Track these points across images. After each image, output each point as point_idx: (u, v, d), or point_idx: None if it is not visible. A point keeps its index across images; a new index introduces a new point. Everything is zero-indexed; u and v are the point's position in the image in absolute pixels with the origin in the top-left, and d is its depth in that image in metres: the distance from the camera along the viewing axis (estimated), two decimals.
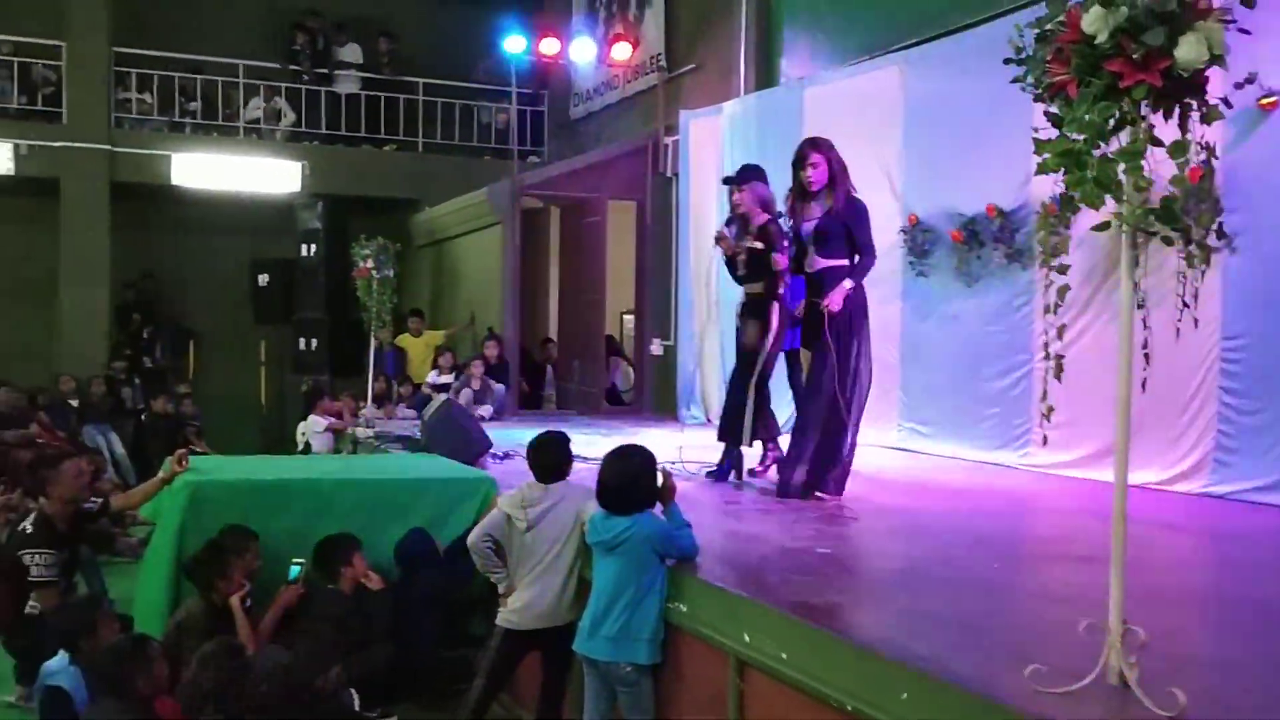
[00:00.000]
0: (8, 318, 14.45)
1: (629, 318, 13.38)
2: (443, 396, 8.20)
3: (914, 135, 8.52)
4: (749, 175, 6.72)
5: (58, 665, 4.65)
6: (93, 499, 6.14)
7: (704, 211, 10.99)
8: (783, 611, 3.55)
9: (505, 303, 11.97)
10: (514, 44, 11.73)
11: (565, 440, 5.25)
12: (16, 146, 13.07)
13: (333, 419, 10.44)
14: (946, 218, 8.11)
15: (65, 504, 5.92)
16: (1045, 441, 6.28)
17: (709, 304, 10.81)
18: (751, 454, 6.92)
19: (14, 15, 13.65)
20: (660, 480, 4.37)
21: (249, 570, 5.33)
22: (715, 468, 6.78)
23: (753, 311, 6.55)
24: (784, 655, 3.45)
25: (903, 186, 8.57)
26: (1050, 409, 3.41)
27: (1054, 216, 7.36)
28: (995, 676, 2.87)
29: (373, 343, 11.16)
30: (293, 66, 14.59)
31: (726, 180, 6.99)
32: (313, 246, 13.64)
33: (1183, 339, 6.05)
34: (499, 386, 11.39)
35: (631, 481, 4.26)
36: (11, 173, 13.14)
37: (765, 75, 10.81)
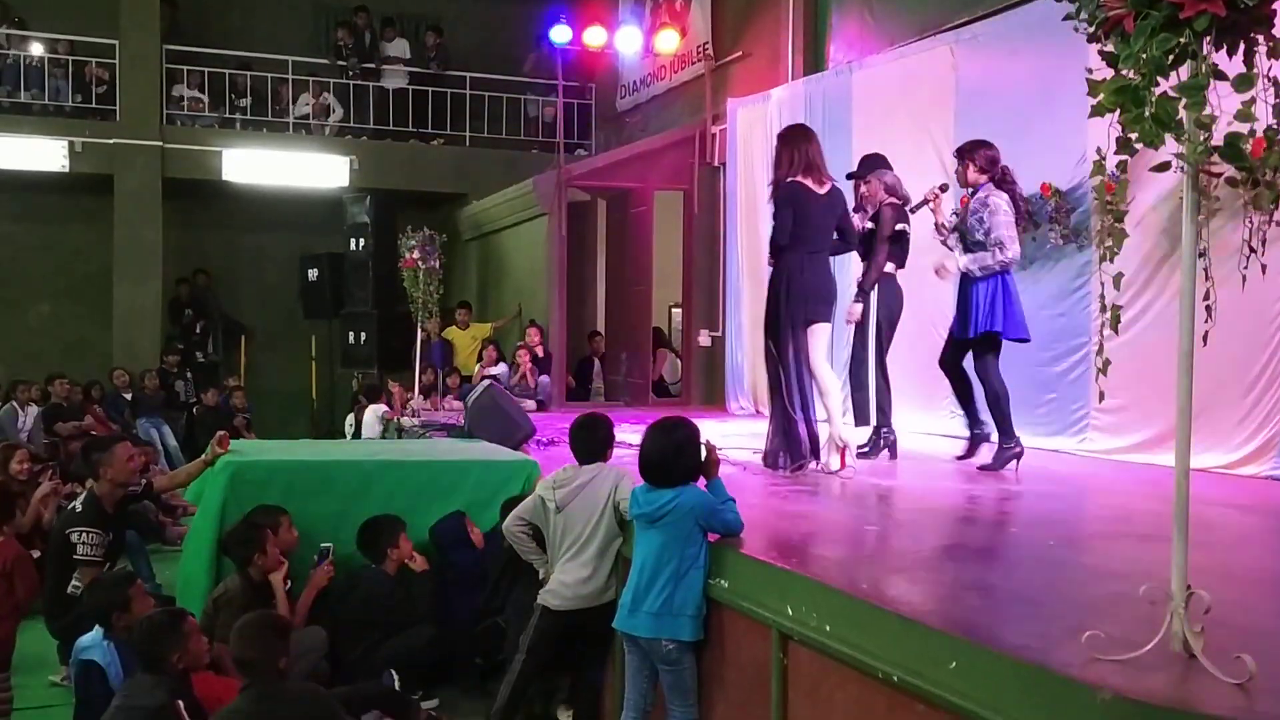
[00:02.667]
0: (64, 313, 14.73)
1: (677, 310, 13.29)
2: (486, 381, 8.14)
3: (966, 116, 8.32)
4: (872, 165, 6.91)
5: (91, 640, 4.64)
6: (138, 483, 6.17)
7: (753, 200, 10.86)
8: (826, 584, 3.42)
9: (552, 294, 11.92)
10: (560, 34, 11.67)
11: (607, 422, 5.19)
12: (71, 144, 13.26)
13: (386, 409, 10.46)
14: None
15: (115, 486, 5.96)
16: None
17: (758, 298, 10.66)
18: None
19: (68, 14, 13.89)
20: (704, 454, 4.25)
21: (283, 545, 5.31)
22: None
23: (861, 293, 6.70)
24: (828, 628, 3.32)
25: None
26: (1102, 395, 3.20)
27: (1110, 195, 7.28)
28: (1050, 646, 2.72)
29: (419, 334, 11.15)
30: (340, 62, 14.66)
31: (850, 175, 7.04)
32: (361, 241, 13.68)
33: (1248, 317, 5.86)
34: (544, 378, 11.34)
35: (675, 453, 4.15)
36: (66, 170, 13.34)
37: (813, 61, 10.66)
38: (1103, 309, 2.93)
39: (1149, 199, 6.66)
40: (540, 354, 11.51)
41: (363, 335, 13.75)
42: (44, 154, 13.16)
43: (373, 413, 10.37)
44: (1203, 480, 5.73)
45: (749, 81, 11.36)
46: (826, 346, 6.10)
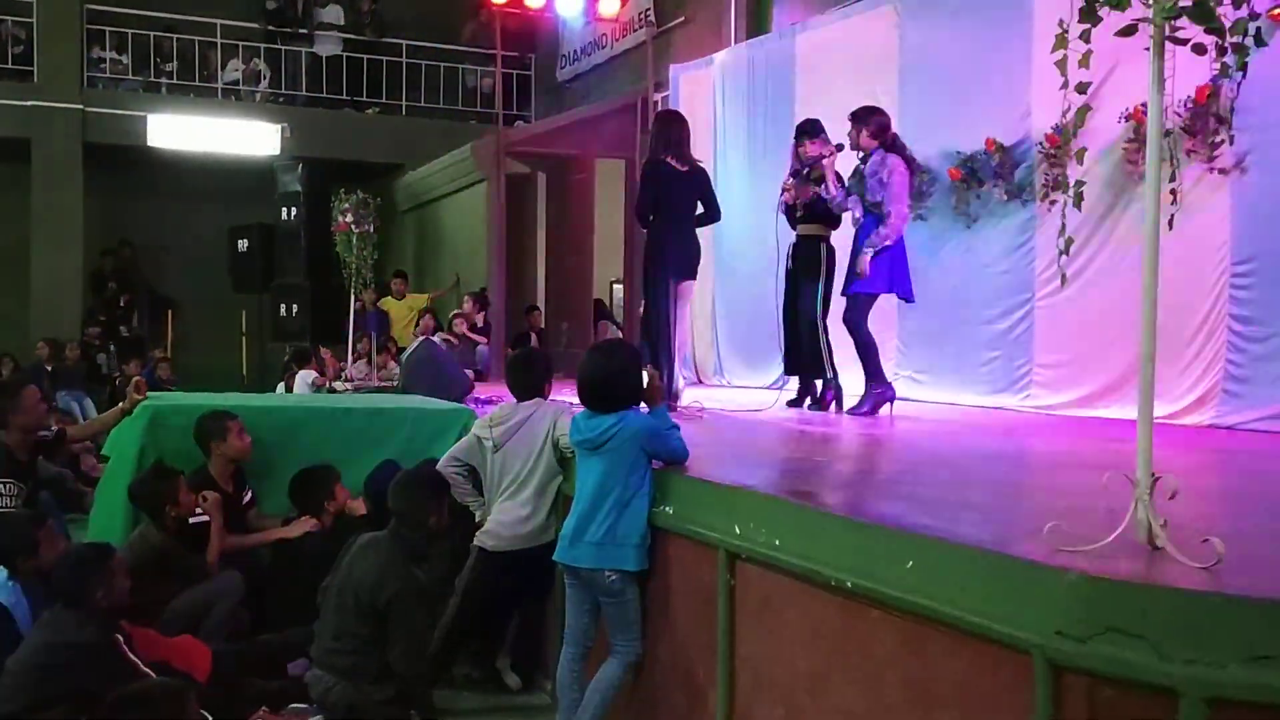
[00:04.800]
0: None
1: (619, 287, 13.11)
2: (423, 337, 7.91)
3: (910, 76, 8.24)
4: (804, 130, 7.08)
5: None
6: (48, 428, 5.86)
7: None
8: (776, 496, 3.28)
9: (491, 262, 11.68)
10: None
11: (545, 358, 5.06)
12: None
13: (318, 375, 10.16)
14: (944, 158, 7.85)
15: (25, 433, 5.64)
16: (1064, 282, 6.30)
17: (704, 262, 10.54)
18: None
19: None
20: (646, 380, 4.09)
21: (235, 453, 5.09)
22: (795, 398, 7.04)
23: (808, 252, 6.95)
24: (777, 542, 3.19)
25: (899, 129, 8.30)
26: (1070, 241, 3.10)
27: (1055, 148, 7.26)
28: (1009, 540, 2.61)
29: (354, 303, 10.87)
30: (271, 27, 14.26)
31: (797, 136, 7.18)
32: (293, 210, 13.33)
33: (1188, 266, 5.86)
34: (482, 348, 11.12)
35: (616, 376, 3.99)
36: None
37: (756, 24, 10.55)
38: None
39: (1093, 153, 6.63)
40: (479, 324, 11.27)
41: (294, 308, 13.40)
42: None
43: (303, 378, 10.05)
44: None
45: (691, 47, 11.22)
46: (690, 302, 6.94)
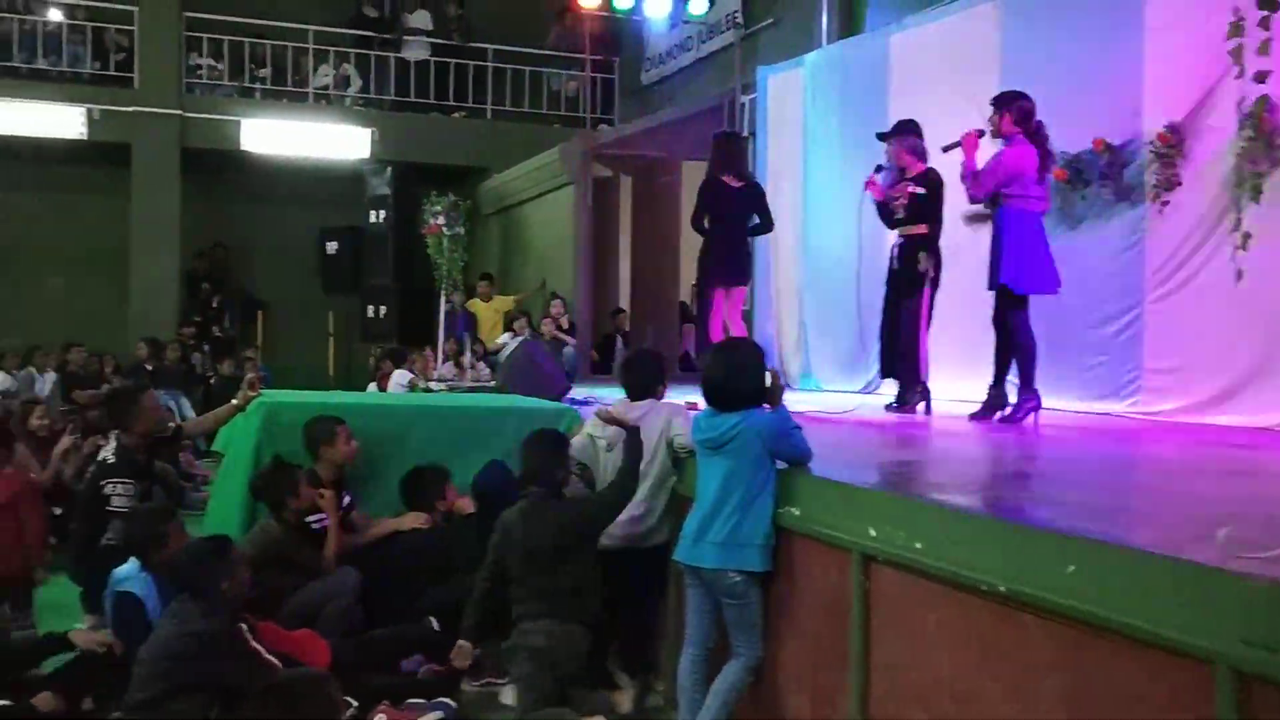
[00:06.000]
0: (80, 284, 14.57)
1: None
2: (522, 337, 7.95)
3: (1012, 76, 8.02)
4: (901, 128, 6.96)
5: (128, 571, 4.48)
6: (166, 429, 5.99)
7: (782, 170, 10.66)
8: (916, 499, 3.22)
9: (578, 264, 11.72)
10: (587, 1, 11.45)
11: (659, 358, 5.05)
12: (89, 112, 13.11)
13: (413, 376, 10.27)
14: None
15: (144, 437, 5.77)
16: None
17: (791, 265, 10.49)
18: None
19: None
20: (769, 380, 4.05)
21: (342, 458, 5.15)
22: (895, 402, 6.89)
23: (906, 253, 6.76)
24: (918, 545, 3.12)
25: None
26: (1246, 236, 3.00)
27: (1168, 146, 7.07)
28: (1179, 546, 2.52)
29: (444, 304, 10.97)
30: (361, 33, 14.49)
31: (880, 135, 7.12)
32: (381, 213, 13.51)
33: None
34: (569, 350, 11.16)
35: (738, 374, 3.95)
36: (84, 138, 13.18)
37: (849, 26, 10.45)
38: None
39: (1205, 154, 6.46)
40: (565, 325, 11.32)
41: (382, 309, 13.58)
42: (62, 121, 13.01)
43: (398, 378, 10.16)
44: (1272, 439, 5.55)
45: (780, 49, 11.16)
46: (742, 305, 7.64)
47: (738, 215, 7.26)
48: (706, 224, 7.45)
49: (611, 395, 7.32)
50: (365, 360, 14.08)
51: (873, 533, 3.33)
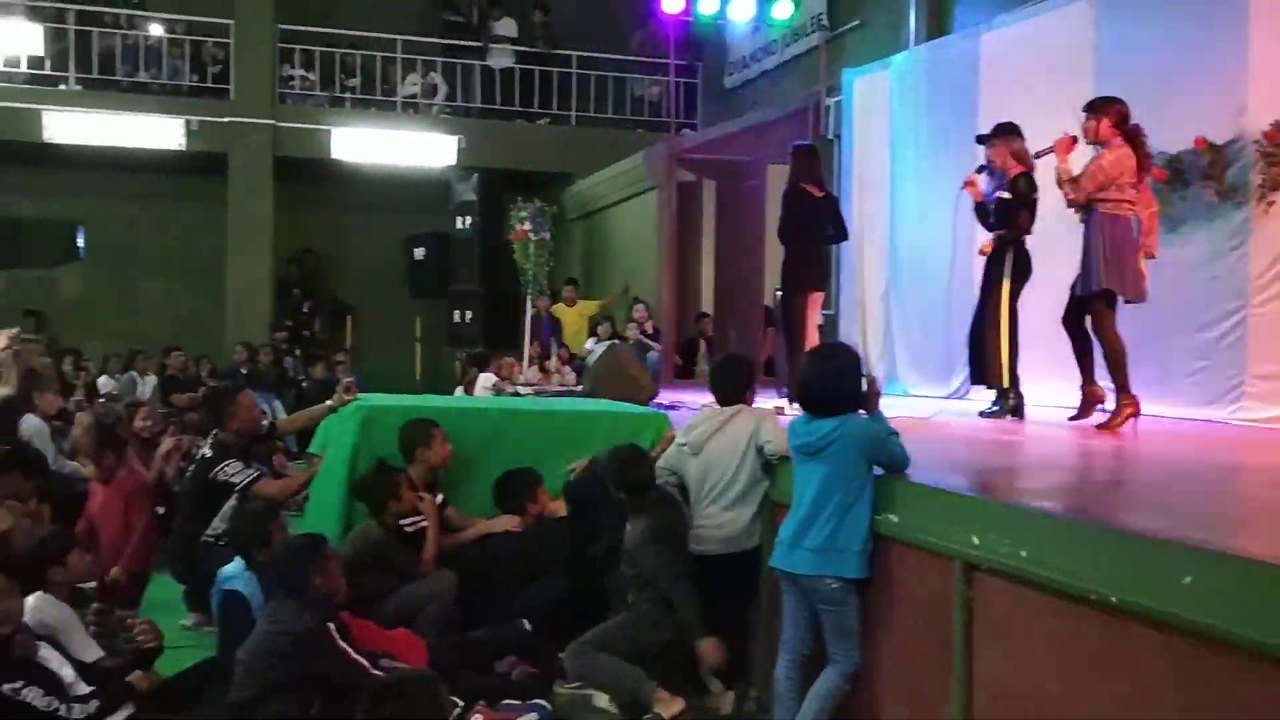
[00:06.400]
0: (177, 290, 15.00)
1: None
2: (608, 342, 8.00)
3: (1108, 75, 7.87)
4: (1000, 131, 6.86)
5: (234, 570, 4.60)
6: (262, 428, 6.16)
7: (868, 173, 10.56)
8: (1021, 506, 3.17)
9: (661, 267, 11.73)
10: (672, 4, 11.45)
11: (749, 363, 5.05)
12: (188, 123, 13.49)
13: (498, 379, 10.38)
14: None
15: (240, 436, 5.94)
16: None
17: (877, 269, 10.39)
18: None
19: None
20: (866, 385, 4.02)
21: (436, 461, 5.23)
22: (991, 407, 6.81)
23: (993, 256, 6.72)
24: (1024, 554, 3.07)
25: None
26: None
27: (1276, 145, 6.85)
28: None
29: (529, 309, 11.07)
30: (451, 41, 14.70)
31: (980, 139, 7.10)
32: (467, 219, 13.68)
33: None
34: (652, 354, 11.18)
35: (835, 379, 3.92)
36: (183, 148, 13.57)
37: (938, 26, 10.32)
38: None
39: None
40: (649, 330, 11.35)
41: (468, 314, 13.74)
42: (163, 132, 13.42)
43: (482, 381, 10.28)
44: None
45: (866, 51, 11.06)
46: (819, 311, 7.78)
47: (819, 224, 7.50)
48: (791, 234, 7.56)
49: (695, 400, 7.35)
50: (451, 365, 14.29)
51: (975, 540, 3.28)
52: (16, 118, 12.94)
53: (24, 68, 13.36)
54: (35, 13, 13.57)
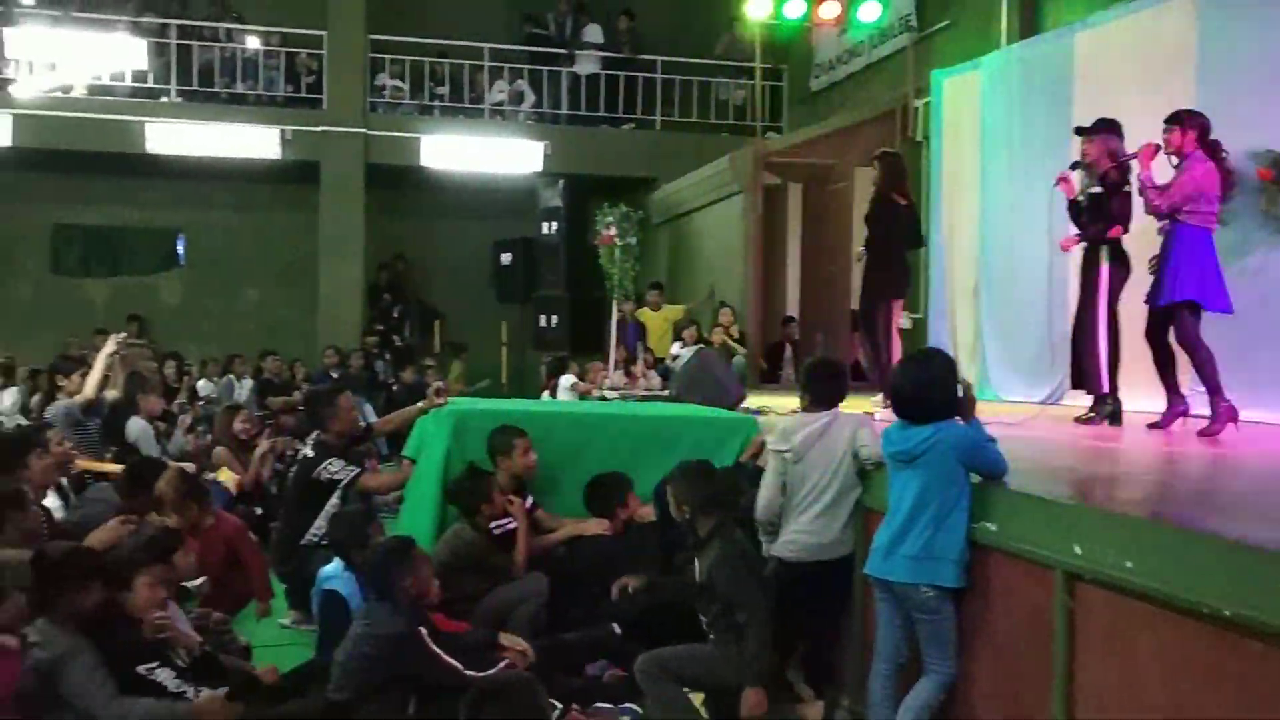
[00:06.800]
0: (271, 296, 15.41)
1: None
2: (697, 347, 8.01)
3: (1211, 72, 7.67)
4: (1101, 126, 6.77)
5: (333, 571, 4.70)
6: (359, 430, 6.29)
7: (958, 175, 10.42)
8: (1126, 515, 3.10)
9: (747, 271, 11.70)
10: (758, 8, 11.42)
11: (842, 367, 5.01)
12: (283, 132, 13.81)
13: (578, 380, 10.45)
14: (1250, 158, 7.28)
15: (339, 436, 6.09)
16: None
17: (967, 272, 10.23)
18: None
19: (280, 7, 14.51)
20: (961, 392, 3.96)
21: (521, 470, 5.28)
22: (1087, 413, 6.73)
23: (1089, 258, 6.64)
24: (1129, 564, 3.01)
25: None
26: None
27: None
28: None
29: (615, 313, 11.11)
30: (537, 49, 14.85)
31: (1079, 130, 6.97)
32: (553, 225, 13.79)
33: None
34: (738, 358, 11.15)
35: (930, 386, 3.88)
36: (279, 157, 13.91)
37: (1030, 25, 10.13)
38: None
39: None
40: (735, 334, 11.33)
41: (554, 319, 13.84)
42: (259, 142, 13.76)
43: (564, 384, 10.36)
44: None
45: (956, 51, 10.91)
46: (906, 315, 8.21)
47: (904, 233, 7.75)
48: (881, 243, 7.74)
49: (781, 404, 7.31)
50: (536, 368, 14.42)
51: (1078, 550, 3.22)
52: (121, 130, 13.38)
53: (128, 81, 13.81)
54: (138, 28, 14.03)
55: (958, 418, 3.91)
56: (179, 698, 3.78)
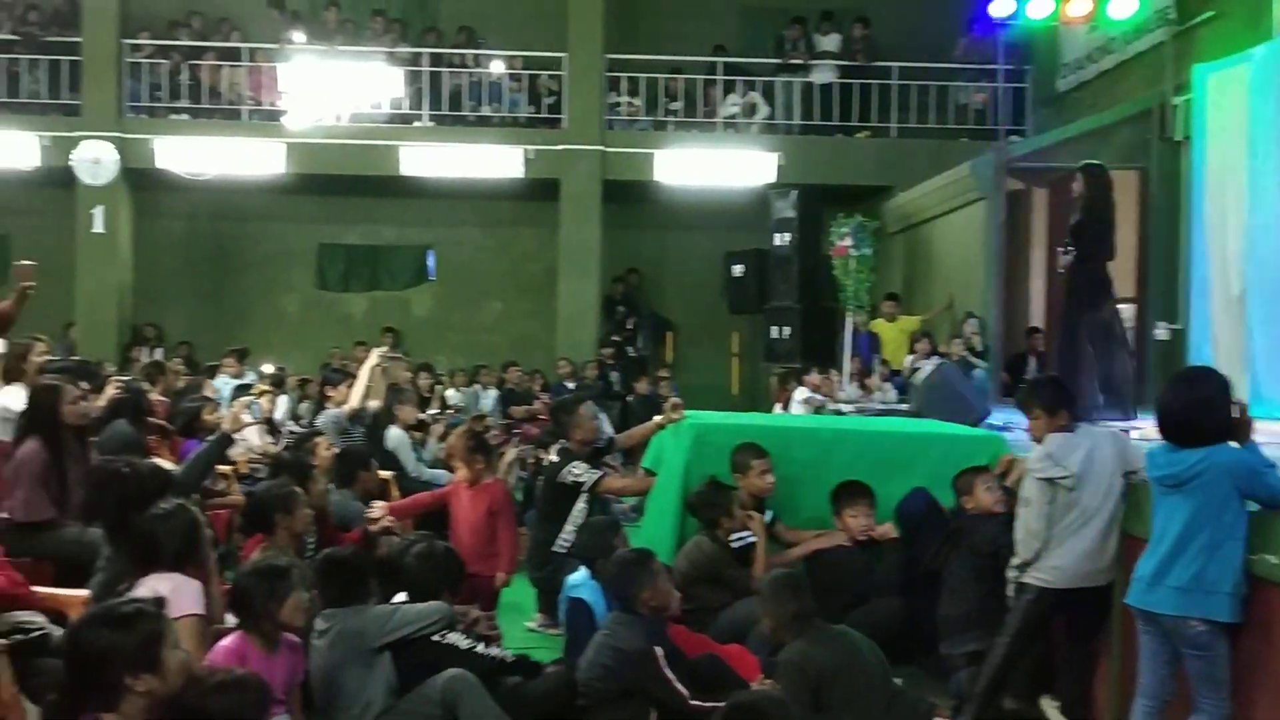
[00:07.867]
0: (513, 310, 16.09)
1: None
2: (937, 360, 7.82)
3: None
4: None
5: (579, 579, 4.85)
6: (600, 440, 6.47)
7: (1225, 175, 9.72)
8: None
9: (989, 281, 11.30)
10: (1001, 6, 11.01)
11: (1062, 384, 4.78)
12: (525, 152, 14.39)
13: (812, 392, 10.36)
14: None
15: (582, 445, 6.28)
16: None
17: (1232, 280, 9.54)
18: None
19: (522, 31, 15.15)
20: (1236, 413, 3.71)
21: (757, 490, 5.31)
22: None
23: None
24: None
25: None
26: None
27: None
28: None
29: (849, 324, 10.96)
30: (778, 60, 14.90)
31: None
32: (786, 236, 13.70)
33: None
34: (978, 371, 10.78)
35: (1202, 408, 3.65)
36: (522, 176, 14.51)
37: None
38: None
39: None
40: (977, 347, 10.96)
41: (786, 330, 13.75)
42: (503, 161, 14.40)
43: (798, 396, 10.29)
44: None
45: (1220, 44, 10.18)
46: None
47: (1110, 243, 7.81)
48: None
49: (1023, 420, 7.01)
50: (767, 380, 14.40)
51: None
52: (379, 154, 14.29)
53: (385, 108, 14.74)
54: (393, 58, 14.95)
55: (1232, 442, 3.66)
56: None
